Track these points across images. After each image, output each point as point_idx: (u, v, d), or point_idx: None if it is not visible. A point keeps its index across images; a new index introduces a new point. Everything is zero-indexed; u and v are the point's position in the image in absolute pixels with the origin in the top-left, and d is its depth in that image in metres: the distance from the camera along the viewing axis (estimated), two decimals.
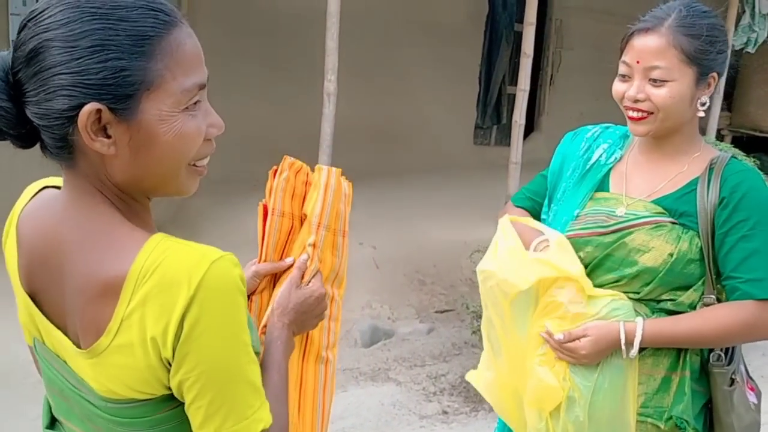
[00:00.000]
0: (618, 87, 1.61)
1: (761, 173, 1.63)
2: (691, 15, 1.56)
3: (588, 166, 1.71)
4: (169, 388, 0.89)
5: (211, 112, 0.95)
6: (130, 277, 0.85)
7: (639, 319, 1.54)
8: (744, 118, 8.79)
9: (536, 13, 4.55)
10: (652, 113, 1.57)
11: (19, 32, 0.86)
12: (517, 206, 1.86)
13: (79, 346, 0.92)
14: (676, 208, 1.59)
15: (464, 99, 7.40)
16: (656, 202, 1.61)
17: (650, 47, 1.55)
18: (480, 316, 1.86)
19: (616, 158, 1.70)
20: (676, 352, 1.59)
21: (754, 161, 4.14)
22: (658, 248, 1.56)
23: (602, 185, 1.68)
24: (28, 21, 0.85)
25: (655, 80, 1.55)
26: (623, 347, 1.52)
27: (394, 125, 6.74)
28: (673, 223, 1.58)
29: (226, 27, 5.56)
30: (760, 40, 6.81)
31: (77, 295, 0.90)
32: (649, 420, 1.58)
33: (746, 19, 6.67)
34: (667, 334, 1.55)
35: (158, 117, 0.87)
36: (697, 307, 1.58)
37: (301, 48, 5.76)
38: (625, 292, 1.60)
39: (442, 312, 4.62)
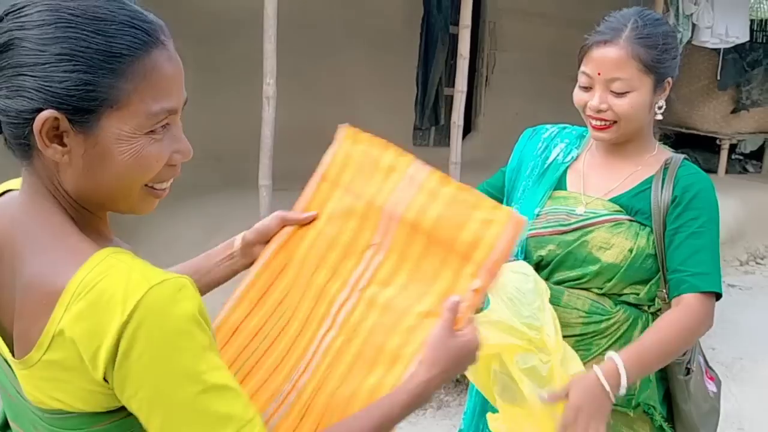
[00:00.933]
0: (581, 96, 1.66)
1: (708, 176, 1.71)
2: (645, 25, 1.61)
3: (546, 165, 1.75)
4: (109, 404, 0.86)
5: (180, 138, 0.92)
6: (66, 291, 0.82)
7: (612, 356, 1.47)
8: (671, 115, 9.08)
9: (471, 15, 4.63)
10: (615, 122, 1.62)
11: None
12: None
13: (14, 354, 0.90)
14: (632, 206, 1.65)
15: (402, 101, 7.44)
16: (613, 200, 1.67)
17: (610, 59, 1.59)
18: None
19: (573, 157, 1.75)
20: None
21: (683, 157, 4.30)
22: (618, 245, 1.61)
23: (560, 184, 1.72)
24: (7, 14, 0.84)
25: (616, 91, 1.60)
26: (609, 391, 1.42)
27: (334, 128, 6.70)
28: (631, 220, 1.64)
29: None
30: (685, 40, 7.09)
31: (20, 301, 0.88)
32: (618, 408, 1.60)
33: (671, 20, 6.93)
34: (645, 359, 1.50)
35: (117, 136, 0.85)
36: (655, 300, 1.64)
37: (239, 52, 5.69)
38: (588, 288, 1.64)
39: None
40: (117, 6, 0.84)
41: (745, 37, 7.72)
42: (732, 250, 7.01)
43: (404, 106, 7.49)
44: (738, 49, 8.12)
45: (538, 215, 1.69)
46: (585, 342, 1.63)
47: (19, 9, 0.83)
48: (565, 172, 1.74)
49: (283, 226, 1.23)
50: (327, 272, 1.19)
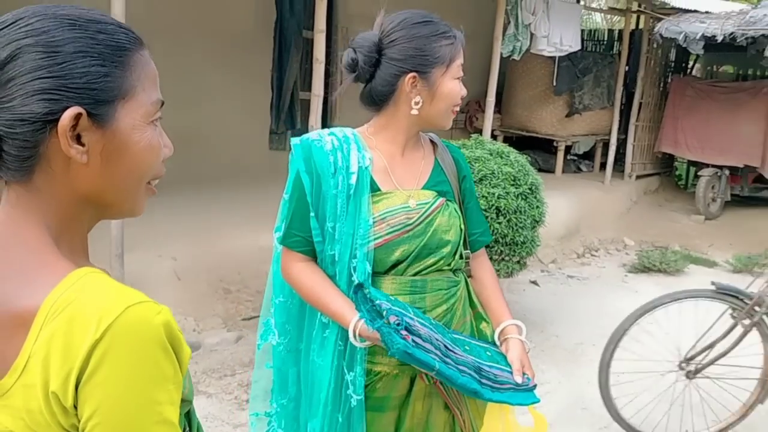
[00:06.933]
0: (459, 90, 1.79)
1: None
2: None
3: (355, 174, 1.74)
4: None
5: (164, 133, 0.95)
6: (41, 311, 0.80)
7: (515, 322, 1.87)
8: (512, 119, 9.68)
9: (325, 20, 4.69)
10: None
11: None
12: (299, 251, 1.79)
13: None
14: (440, 189, 1.83)
15: (258, 105, 7.38)
16: (425, 187, 1.82)
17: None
18: None
19: (371, 159, 1.78)
20: (456, 312, 1.87)
21: (526, 158, 4.60)
22: (454, 224, 1.81)
23: (373, 187, 1.77)
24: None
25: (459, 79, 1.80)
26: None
27: (187, 132, 6.54)
28: (447, 201, 1.82)
29: None
30: (524, 48, 7.56)
31: None
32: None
33: (511, 29, 7.36)
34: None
35: (132, 126, 0.89)
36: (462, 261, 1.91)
37: None
38: (440, 269, 1.80)
39: (249, 319, 4.57)
40: (100, 12, 0.90)
41: (577, 46, 8.36)
42: (569, 244, 7.57)
43: (260, 110, 7.43)
44: (571, 57, 8.77)
45: (375, 223, 1.73)
46: (450, 312, 1.83)
47: (12, 23, 0.84)
48: (370, 174, 1.79)
49: None
50: None
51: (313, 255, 1.80)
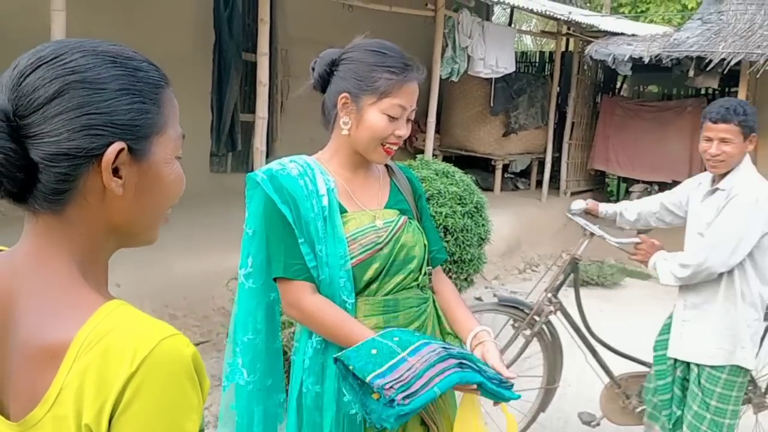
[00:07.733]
0: (389, 126, 1.75)
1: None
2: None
3: (324, 198, 1.77)
4: None
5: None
6: (74, 344, 0.81)
7: (486, 328, 1.88)
8: (451, 139, 9.85)
9: (268, 43, 4.71)
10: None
11: (24, 76, 0.85)
12: (304, 279, 1.76)
13: (8, 418, 0.84)
14: (401, 207, 1.88)
15: (198, 127, 7.30)
16: (387, 207, 1.86)
17: (416, 92, 1.79)
18: None
19: (335, 183, 1.81)
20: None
21: (471, 177, 4.71)
22: (418, 240, 1.86)
23: (340, 209, 1.80)
24: (42, 64, 0.85)
25: (410, 119, 1.80)
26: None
27: None
28: (409, 218, 1.87)
29: None
30: (462, 70, 7.73)
31: (17, 357, 0.84)
32: None
33: (449, 52, 7.52)
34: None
35: (164, 159, 0.92)
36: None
37: None
38: (409, 287, 1.83)
39: (197, 345, 4.50)
40: (132, 50, 0.93)
41: (512, 68, 8.59)
42: (511, 260, 7.72)
43: (200, 132, 7.35)
44: (506, 78, 9.01)
45: (349, 243, 1.76)
46: (422, 329, 1.85)
47: (56, 57, 0.86)
48: (336, 197, 1.81)
49: None
50: None
51: (314, 281, 1.76)
